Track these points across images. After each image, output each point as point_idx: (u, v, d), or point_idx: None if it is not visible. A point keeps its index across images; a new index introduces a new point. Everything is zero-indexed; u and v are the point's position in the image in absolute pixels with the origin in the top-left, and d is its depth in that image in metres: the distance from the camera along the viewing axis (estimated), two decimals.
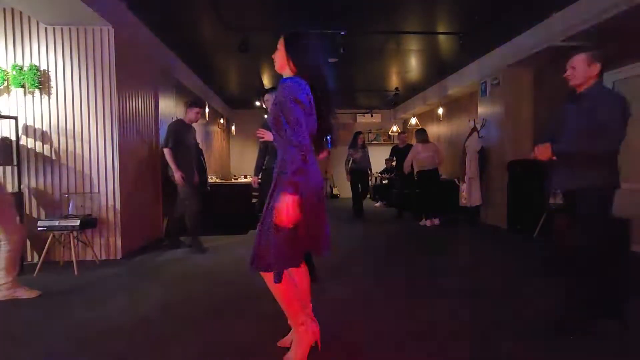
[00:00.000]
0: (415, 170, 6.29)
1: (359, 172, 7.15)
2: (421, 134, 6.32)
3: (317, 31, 4.75)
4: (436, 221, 6.13)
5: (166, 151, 4.25)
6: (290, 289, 1.80)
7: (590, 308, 2.16)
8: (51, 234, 3.55)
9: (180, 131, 4.35)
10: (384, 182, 9.75)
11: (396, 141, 11.55)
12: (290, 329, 1.98)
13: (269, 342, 2.03)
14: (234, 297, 2.83)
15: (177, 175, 4.22)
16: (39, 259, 3.53)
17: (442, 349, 2.01)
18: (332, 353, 1.93)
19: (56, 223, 3.50)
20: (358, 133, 7.29)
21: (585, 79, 2.19)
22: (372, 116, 11.19)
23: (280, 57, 1.85)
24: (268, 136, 2.89)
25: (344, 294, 2.88)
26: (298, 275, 1.94)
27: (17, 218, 2.95)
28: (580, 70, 2.18)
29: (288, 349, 1.88)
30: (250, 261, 1.76)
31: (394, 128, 11.08)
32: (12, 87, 3.81)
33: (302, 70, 1.80)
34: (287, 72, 1.84)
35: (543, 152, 2.17)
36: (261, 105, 8.74)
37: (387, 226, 6.35)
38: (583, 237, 2.17)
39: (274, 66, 1.91)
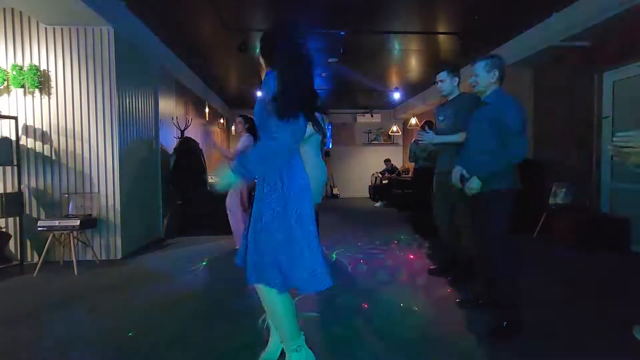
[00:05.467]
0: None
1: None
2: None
3: (317, 31, 4.75)
4: None
5: None
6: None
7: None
8: (51, 234, 3.56)
9: None
10: (384, 182, 9.75)
11: (397, 141, 11.61)
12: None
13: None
14: (237, 293, 2.83)
15: None
16: (39, 259, 3.53)
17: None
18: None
19: (56, 223, 3.50)
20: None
21: (487, 86, 2.26)
22: (372, 116, 11.18)
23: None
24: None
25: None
26: None
27: None
28: (482, 77, 2.25)
29: None
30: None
31: (394, 128, 11.08)
32: (12, 87, 3.81)
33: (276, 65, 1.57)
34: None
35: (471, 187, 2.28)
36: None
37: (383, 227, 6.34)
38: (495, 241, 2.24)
39: None
